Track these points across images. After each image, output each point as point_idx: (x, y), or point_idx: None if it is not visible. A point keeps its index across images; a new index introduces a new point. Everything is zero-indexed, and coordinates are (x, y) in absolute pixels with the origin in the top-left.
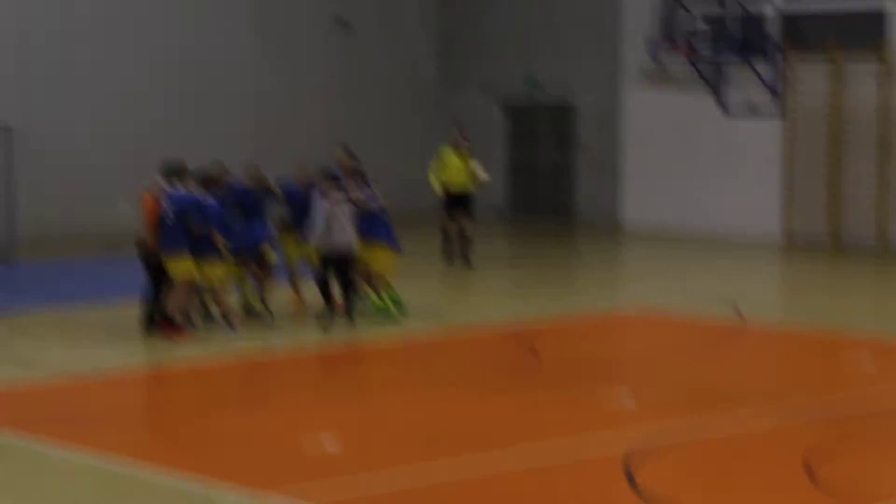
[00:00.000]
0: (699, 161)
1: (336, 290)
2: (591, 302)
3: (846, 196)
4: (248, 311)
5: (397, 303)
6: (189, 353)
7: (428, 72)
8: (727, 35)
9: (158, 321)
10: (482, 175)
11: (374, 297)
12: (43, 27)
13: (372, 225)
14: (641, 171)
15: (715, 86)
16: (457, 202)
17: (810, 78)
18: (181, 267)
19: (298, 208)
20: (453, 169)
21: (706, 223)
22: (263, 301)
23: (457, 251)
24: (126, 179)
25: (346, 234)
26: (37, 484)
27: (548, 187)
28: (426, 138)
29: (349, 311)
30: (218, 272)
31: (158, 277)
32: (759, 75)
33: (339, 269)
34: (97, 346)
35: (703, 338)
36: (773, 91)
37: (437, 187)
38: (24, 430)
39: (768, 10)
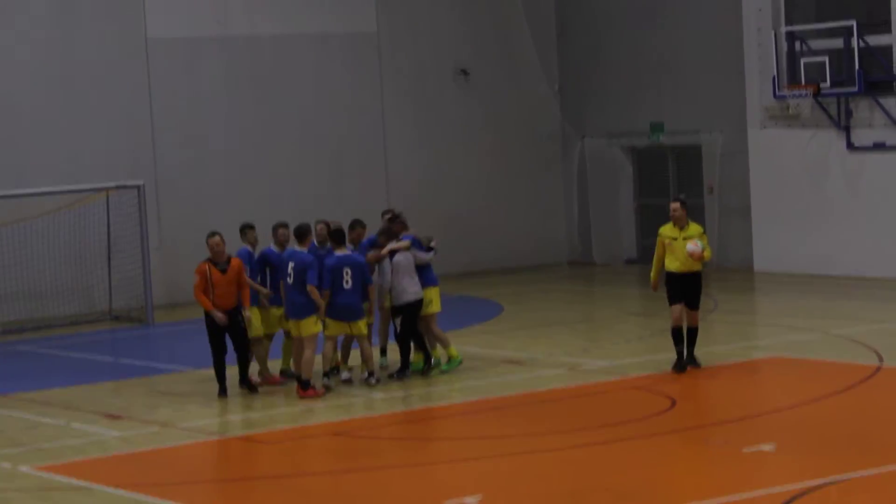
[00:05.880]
0: (827, 199)
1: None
2: (728, 349)
3: None
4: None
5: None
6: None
7: (551, 120)
8: (851, 70)
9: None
10: (692, 248)
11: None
12: (171, 92)
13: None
14: (770, 210)
15: (840, 121)
16: (679, 285)
17: None
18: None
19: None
20: (676, 248)
21: (839, 263)
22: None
23: (685, 349)
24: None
25: (416, 284)
26: None
27: None
28: (552, 188)
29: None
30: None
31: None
32: (884, 109)
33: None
34: (234, 407)
35: (842, 383)
36: None
37: (654, 277)
38: (163, 493)
39: (893, 43)
